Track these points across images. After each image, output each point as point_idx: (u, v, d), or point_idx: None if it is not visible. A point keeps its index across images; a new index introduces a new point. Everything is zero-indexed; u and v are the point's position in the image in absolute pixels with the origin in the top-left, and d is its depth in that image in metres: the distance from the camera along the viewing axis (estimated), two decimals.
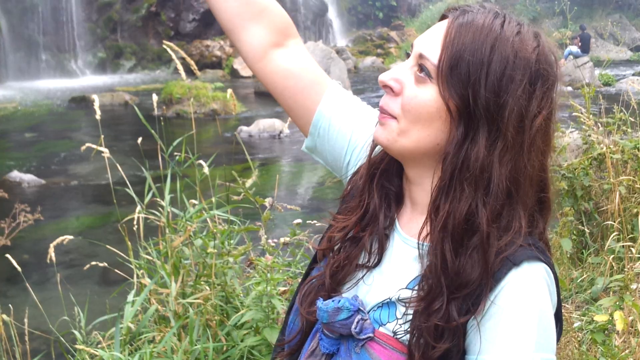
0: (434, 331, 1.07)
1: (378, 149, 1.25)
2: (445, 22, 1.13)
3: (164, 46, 3.18)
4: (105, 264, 3.32)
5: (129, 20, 21.92)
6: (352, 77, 20.40)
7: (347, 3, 29.90)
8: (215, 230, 3.06)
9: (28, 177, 9.59)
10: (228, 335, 2.93)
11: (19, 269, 3.29)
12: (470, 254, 1.08)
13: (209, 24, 22.69)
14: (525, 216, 1.12)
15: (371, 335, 1.14)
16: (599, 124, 5.06)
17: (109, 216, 7.79)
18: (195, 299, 2.90)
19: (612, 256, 4.10)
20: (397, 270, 1.19)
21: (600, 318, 3.10)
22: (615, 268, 4.14)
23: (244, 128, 12.95)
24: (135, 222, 3.18)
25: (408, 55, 1.17)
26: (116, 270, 3.40)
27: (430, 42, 1.12)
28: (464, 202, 1.09)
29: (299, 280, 3.11)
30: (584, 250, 4.69)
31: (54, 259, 3.08)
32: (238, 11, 1.34)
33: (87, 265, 3.40)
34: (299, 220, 3.43)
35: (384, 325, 1.15)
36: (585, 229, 4.70)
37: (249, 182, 3.14)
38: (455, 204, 1.09)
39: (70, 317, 3.43)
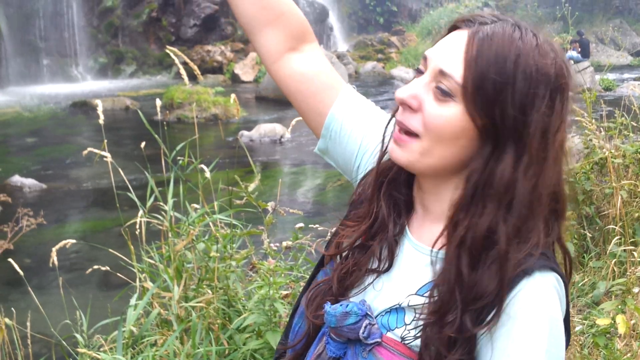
0: (447, 342, 1.07)
1: (387, 156, 1.24)
2: (460, 35, 1.11)
3: (167, 51, 3.19)
4: (108, 268, 3.32)
5: (130, 26, 21.94)
6: (353, 82, 20.31)
7: (348, 8, 29.92)
8: (217, 234, 3.06)
9: (29, 182, 9.59)
10: (230, 338, 2.93)
11: (21, 272, 3.30)
12: (488, 267, 1.08)
13: (210, 29, 22.70)
14: (543, 228, 1.12)
15: (379, 340, 1.14)
16: (601, 129, 5.07)
17: (111, 220, 7.79)
18: (197, 302, 2.90)
19: (614, 260, 4.10)
20: (406, 276, 1.19)
21: (603, 322, 3.10)
22: (616, 272, 4.14)
23: (245, 132, 12.96)
24: (137, 226, 3.18)
25: (419, 71, 1.15)
26: (118, 274, 3.41)
27: (450, 58, 1.10)
28: (485, 217, 1.08)
29: (302, 284, 3.12)
30: (585, 255, 4.69)
31: (56, 263, 3.08)
32: (255, 15, 1.36)
33: (89, 269, 3.41)
34: (301, 224, 3.43)
35: (392, 330, 1.15)
36: (587, 233, 4.70)
37: (251, 186, 3.15)
38: (476, 220, 1.09)
39: (72, 320, 3.44)
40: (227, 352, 2.90)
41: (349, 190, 1.39)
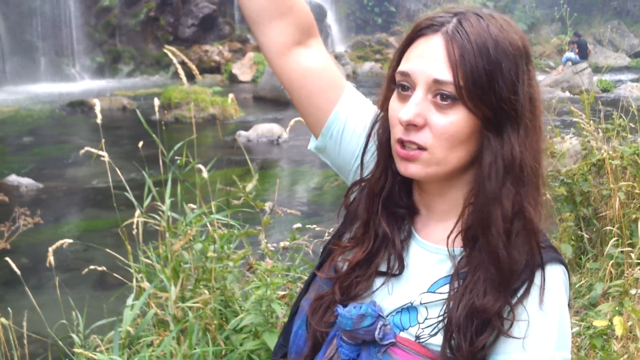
0: (481, 324, 1.10)
1: (368, 170, 1.28)
2: (433, 41, 1.13)
3: (165, 50, 3.18)
4: (104, 268, 3.31)
5: (128, 25, 21.92)
6: (351, 83, 20.38)
7: (346, 9, 29.92)
8: (215, 235, 3.05)
9: (26, 181, 9.57)
10: (227, 339, 2.93)
11: (18, 272, 3.29)
12: (515, 242, 1.12)
13: (208, 29, 22.69)
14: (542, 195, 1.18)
15: (393, 340, 1.15)
16: (599, 130, 5.07)
17: (108, 220, 7.78)
18: (194, 303, 2.90)
19: (611, 262, 4.09)
20: (416, 275, 1.20)
21: (600, 323, 3.10)
22: (614, 274, 4.14)
23: (243, 133, 12.95)
24: (134, 226, 3.18)
25: (401, 86, 1.16)
26: (115, 274, 3.40)
27: (437, 66, 1.11)
28: (509, 200, 1.12)
29: (299, 284, 3.12)
30: (582, 256, 4.69)
31: (52, 262, 3.07)
32: (266, 6, 1.32)
33: (86, 269, 3.39)
34: (299, 225, 3.43)
35: (406, 330, 1.16)
36: (584, 235, 4.70)
37: (249, 187, 3.14)
38: (504, 206, 1.11)
39: (68, 320, 3.42)
40: (224, 352, 2.89)
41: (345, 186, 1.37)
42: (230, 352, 2.87)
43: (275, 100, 16.20)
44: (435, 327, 1.14)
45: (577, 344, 3.46)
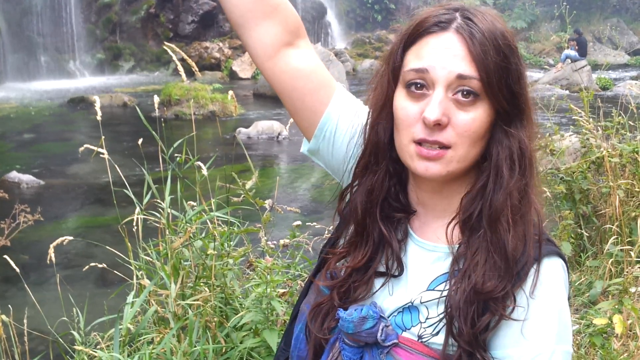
0: (481, 306, 1.11)
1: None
2: (449, 37, 1.12)
3: (165, 47, 3.18)
4: (105, 265, 3.31)
5: (128, 22, 21.90)
6: (351, 80, 20.38)
7: (346, 6, 29.88)
8: (215, 232, 3.05)
9: (27, 178, 9.57)
10: (227, 336, 2.93)
11: (18, 269, 3.29)
12: (516, 229, 1.13)
13: (208, 25, 22.67)
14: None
15: (396, 341, 1.15)
16: (598, 128, 5.07)
17: (108, 217, 7.78)
18: (194, 300, 2.90)
19: (611, 260, 4.10)
20: (415, 275, 1.20)
21: (600, 321, 3.11)
22: (613, 272, 4.14)
23: (243, 130, 12.94)
24: (135, 224, 3.18)
25: (419, 85, 1.14)
26: (115, 272, 3.40)
27: (460, 62, 1.11)
28: (516, 189, 1.14)
29: (299, 282, 3.12)
30: (582, 254, 4.70)
31: (53, 259, 3.07)
32: (251, 7, 1.30)
33: (87, 266, 3.40)
34: (299, 222, 3.43)
35: (408, 329, 1.16)
36: (584, 233, 4.70)
37: (249, 184, 3.14)
38: (513, 196, 1.13)
39: (69, 317, 3.43)
40: (224, 350, 2.89)
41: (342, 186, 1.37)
42: (231, 350, 2.87)
43: (276, 98, 15.97)
44: (436, 326, 1.14)
45: (577, 342, 3.47)
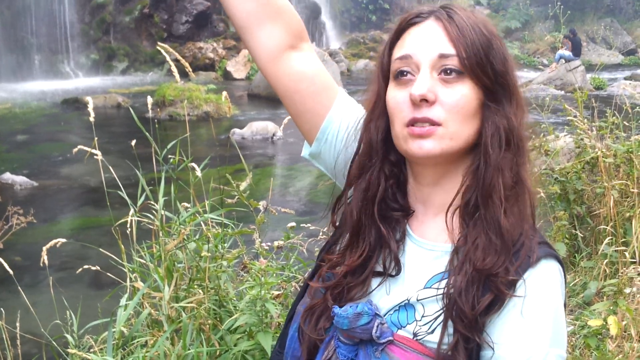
0: (482, 287, 1.12)
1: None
2: (429, 25, 1.18)
3: (158, 48, 3.17)
4: (98, 267, 3.30)
5: (122, 22, 21.86)
6: (346, 80, 20.41)
7: (341, 6, 29.89)
8: (209, 234, 3.04)
9: (20, 179, 9.55)
10: (221, 339, 2.92)
11: (11, 271, 3.27)
12: (511, 210, 1.15)
13: (202, 26, 22.64)
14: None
15: (391, 338, 1.15)
16: (592, 128, 5.08)
17: (102, 219, 7.76)
18: (188, 302, 2.88)
19: (605, 261, 4.10)
20: (413, 274, 1.21)
21: (595, 323, 3.10)
22: (608, 272, 4.15)
23: (237, 130, 12.93)
24: (128, 225, 3.16)
25: (402, 73, 1.19)
26: (109, 274, 3.38)
27: (440, 43, 1.16)
28: (508, 169, 1.16)
29: (293, 284, 3.11)
30: (576, 254, 4.70)
31: (46, 262, 3.05)
32: (256, 9, 1.31)
33: (80, 269, 3.38)
34: (293, 224, 3.42)
35: (404, 327, 1.16)
36: (578, 233, 4.70)
37: (243, 185, 3.13)
38: (505, 174, 1.16)
39: (62, 320, 3.41)
40: (218, 353, 2.88)
41: (340, 189, 1.36)
42: (225, 353, 2.86)
43: (270, 98, 16.17)
44: (432, 324, 1.14)
45: (571, 343, 3.47)
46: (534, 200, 1.20)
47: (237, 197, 3.17)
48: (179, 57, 3.18)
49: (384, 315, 1.18)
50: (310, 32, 26.34)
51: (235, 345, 2.84)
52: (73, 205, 9.12)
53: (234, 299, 3.09)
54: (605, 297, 3.77)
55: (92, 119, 3.20)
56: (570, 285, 4.34)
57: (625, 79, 20.61)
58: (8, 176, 9.58)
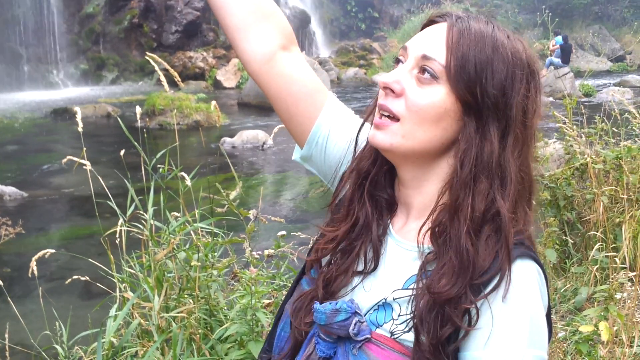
0: (444, 316, 1.09)
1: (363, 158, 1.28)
2: (440, 26, 1.18)
3: (147, 58, 3.16)
4: (87, 278, 3.28)
5: (112, 32, 21.85)
6: (335, 88, 20.47)
7: (330, 14, 29.99)
8: (199, 243, 3.03)
9: (9, 190, 9.50)
10: (212, 349, 2.91)
11: (0, 282, 3.25)
12: (485, 241, 1.11)
13: (192, 35, 22.66)
14: (527, 212, 1.18)
15: (368, 336, 1.15)
16: (582, 134, 5.10)
17: (91, 229, 7.73)
18: (178, 312, 2.87)
19: (596, 266, 4.11)
20: (392, 273, 1.21)
21: (586, 329, 3.11)
22: (598, 278, 4.15)
23: (227, 139, 12.92)
24: (117, 235, 3.15)
25: (398, 60, 1.21)
26: (98, 284, 3.37)
27: (432, 45, 1.16)
28: (483, 194, 1.12)
29: (284, 292, 3.10)
30: (567, 260, 4.71)
31: (35, 272, 3.04)
32: (253, 9, 1.34)
33: (69, 279, 3.36)
34: (284, 232, 3.42)
35: (381, 326, 1.16)
36: (569, 239, 4.71)
37: (233, 194, 3.12)
38: (477, 197, 1.12)
39: (52, 331, 3.39)
40: None
41: (331, 197, 1.37)
42: None
43: (260, 107, 16.19)
44: (408, 323, 1.13)
45: (563, 349, 3.47)
46: (509, 234, 1.11)
47: (227, 206, 3.16)
48: (168, 67, 3.17)
49: (365, 315, 1.18)
50: (299, 40, 26.40)
51: (226, 355, 2.83)
52: (62, 216, 9.09)
53: (225, 308, 3.08)
54: (596, 303, 3.77)
55: (80, 129, 3.20)
56: (561, 291, 4.35)
57: (614, 85, 20.74)
58: None
